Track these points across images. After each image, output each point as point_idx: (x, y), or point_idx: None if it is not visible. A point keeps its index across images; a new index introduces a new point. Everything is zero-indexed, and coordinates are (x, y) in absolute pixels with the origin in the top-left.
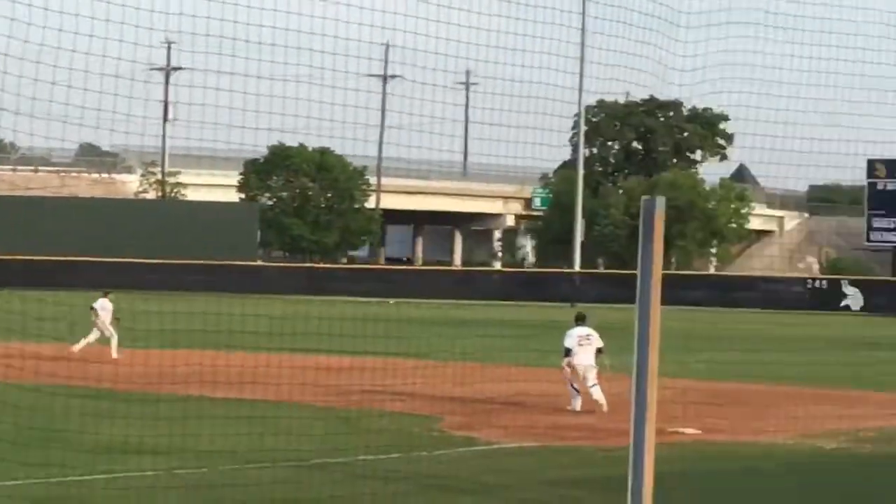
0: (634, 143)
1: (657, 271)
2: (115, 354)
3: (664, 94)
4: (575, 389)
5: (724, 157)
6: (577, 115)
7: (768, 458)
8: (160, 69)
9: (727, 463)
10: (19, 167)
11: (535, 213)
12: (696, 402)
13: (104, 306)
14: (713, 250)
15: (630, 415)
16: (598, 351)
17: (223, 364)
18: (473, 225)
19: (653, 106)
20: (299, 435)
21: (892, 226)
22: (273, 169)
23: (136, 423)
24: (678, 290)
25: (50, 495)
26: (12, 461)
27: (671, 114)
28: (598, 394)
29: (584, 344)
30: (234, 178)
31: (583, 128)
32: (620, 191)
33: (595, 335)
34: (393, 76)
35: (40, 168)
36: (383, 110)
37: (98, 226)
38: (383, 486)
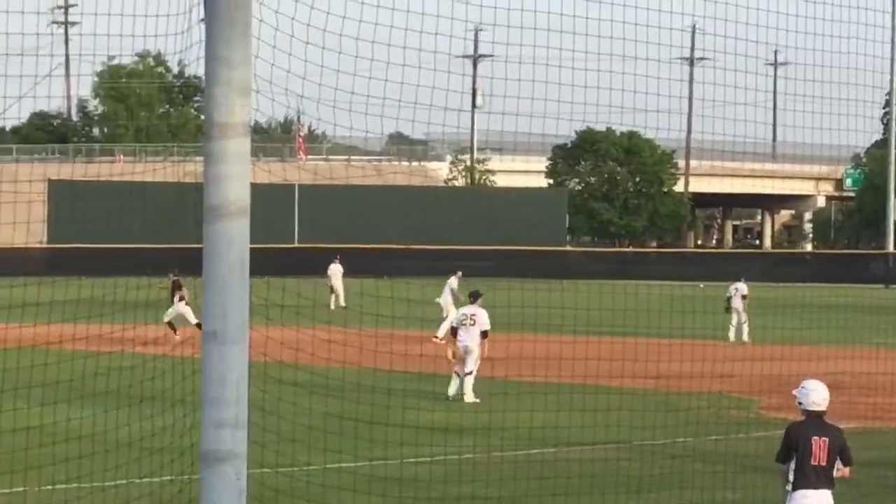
0: None
1: None
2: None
3: None
4: (456, 374)
5: None
6: (889, 91)
7: None
8: (468, 57)
9: None
10: (331, 157)
11: (846, 194)
12: None
13: None
14: None
15: None
16: (484, 334)
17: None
18: (783, 207)
19: None
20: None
21: None
22: (581, 154)
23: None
24: None
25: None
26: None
27: None
28: (468, 386)
29: (465, 324)
30: (542, 163)
31: None
32: None
33: (481, 314)
34: (701, 59)
35: (353, 158)
36: (690, 94)
37: (411, 213)
38: (702, 466)
